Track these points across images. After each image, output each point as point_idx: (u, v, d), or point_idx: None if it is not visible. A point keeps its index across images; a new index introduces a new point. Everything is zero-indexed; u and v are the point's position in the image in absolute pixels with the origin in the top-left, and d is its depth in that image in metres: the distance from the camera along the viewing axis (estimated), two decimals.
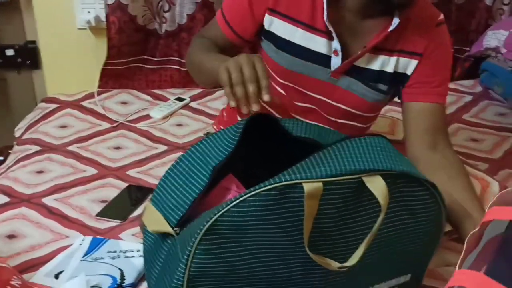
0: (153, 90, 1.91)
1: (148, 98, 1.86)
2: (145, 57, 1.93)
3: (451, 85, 1.97)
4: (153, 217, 0.86)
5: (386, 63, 1.09)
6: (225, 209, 0.77)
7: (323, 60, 1.07)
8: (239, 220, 0.77)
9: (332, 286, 0.85)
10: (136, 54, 1.90)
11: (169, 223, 0.83)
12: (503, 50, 1.76)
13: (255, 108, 0.85)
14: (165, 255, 0.86)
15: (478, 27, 1.99)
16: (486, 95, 1.89)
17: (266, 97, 0.85)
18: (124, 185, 1.36)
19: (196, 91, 1.91)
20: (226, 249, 0.79)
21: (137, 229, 1.18)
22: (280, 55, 1.10)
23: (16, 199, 1.29)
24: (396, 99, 1.19)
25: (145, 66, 1.94)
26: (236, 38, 1.14)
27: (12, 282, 0.80)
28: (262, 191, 0.76)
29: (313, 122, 0.95)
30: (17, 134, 1.71)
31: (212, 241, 0.78)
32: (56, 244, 1.13)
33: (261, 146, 0.91)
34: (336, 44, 1.05)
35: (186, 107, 1.81)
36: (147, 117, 1.74)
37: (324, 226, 0.80)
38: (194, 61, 1.11)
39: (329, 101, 1.12)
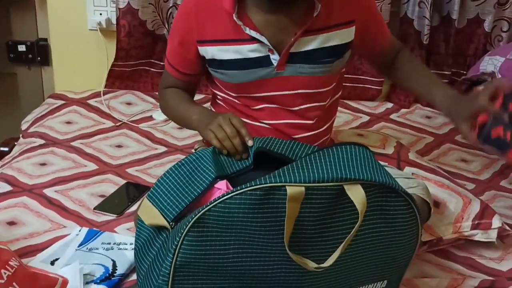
0: (157, 93, 1.97)
1: (152, 100, 1.93)
2: (152, 60, 1.99)
3: None
4: (150, 212, 0.92)
5: (323, 41, 1.14)
6: (212, 205, 0.83)
7: (263, 62, 1.14)
8: (225, 216, 0.83)
9: (310, 286, 0.90)
10: (143, 57, 1.96)
11: (165, 218, 0.89)
12: (498, 76, 1.81)
13: (244, 156, 0.99)
14: (159, 248, 0.91)
15: (476, 52, 2.04)
16: None
17: (250, 143, 0.99)
18: (122, 182, 1.42)
19: (199, 96, 1.97)
20: (211, 242, 0.85)
21: (132, 224, 1.23)
22: (227, 74, 1.17)
23: (19, 189, 1.35)
24: None
25: (152, 69, 2.00)
26: (189, 77, 1.23)
27: (10, 263, 0.85)
28: (248, 190, 0.82)
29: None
30: (24, 127, 1.77)
31: (198, 233, 0.84)
32: (54, 233, 1.19)
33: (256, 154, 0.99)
34: (269, 44, 1.12)
35: None
36: (150, 118, 1.80)
37: (304, 228, 0.85)
38: (173, 117, 1.27)
39: (284, 92, 1.18)
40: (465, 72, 2.05)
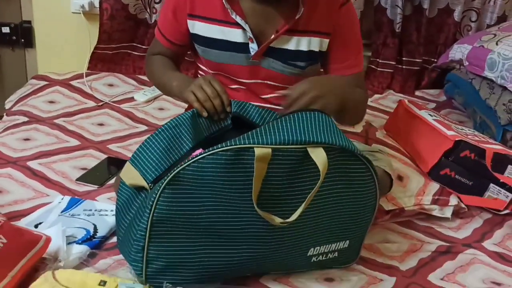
0: (139, 76, 2.03)
1: (134, 82, 1.98)
2: (134, 44, 2.04)
3: (418, 93, 2.13)
4: (131, 173, 0.98)
5: (300, 43, 1.21)
6: (186, 164, 0.90)
7: (242, 48, 1.21)
8: (198, 174, 0.90)
9: (278, 242, 0.98)
10: (125, 40, 2.02)
11: (145, 180, 0.96)
12: (466, 63, 1.91)
13: (222, 116, 1.06)
14: (137, 207, 0.98)
15: (446, 40, 2.14)
16: (449, 104, 2.03)
17: (229, 109, 1.05)
18: (104, 156, 1.48)
19: None
20: (186, 199, 0.92)
21: (112, 194, 1.29)
22: (207, 52, 1.24)
23: (3, 161, 1.40)
24: None
25: (134, 52, 2.05)
26: (177, 47, 1.30)
27: None
28: (219, 151, 0.90)
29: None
30: (7, 106, 1.81)
31: (174, 190, 0.91)
32: (37, 201, 1.25)
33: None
34: (249, 33, 1.18)
35: None
36: (131, 99, 1.86)
37: (272, 187, 0.93)
38: (156, 82, 1.31)
39: (255, 81, 1.25)
40: (435, 60, 2.15)
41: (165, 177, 0.91)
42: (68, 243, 1.07)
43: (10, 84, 2.09)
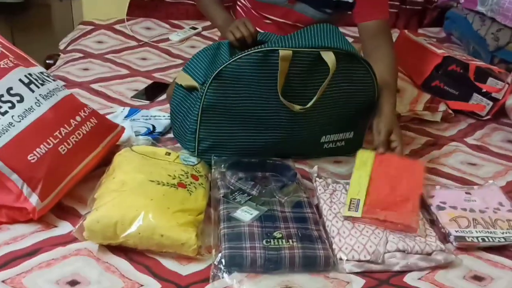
0: (171, 20, 2.31)
1: (167, 26, 2.26)
2: None
3: (421, 31, 2.36)
4: (185, 77, 1.28)
5: None
6: (227, 63, 1.20)
7: None
8: (237, 70, 1.19)
9: (296, 128, 1.28)
10: None
11: (196, 81, 1.25)
12: (462, 0, 2.14)
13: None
14: (189, 102, 1.28)
15: None
16: (448, 39, 2.27)
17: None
18: (150, 81, 1.78)
19: (207, 23, 2.29)
20: (227, 91, 1.22)
21: (162, 106, 1.59)
22: None
23: (70, 83, 1.70)
24: None
25: (166, 0, 2.33)
26: None
27: (85, 108, 1.21)
28: (252, 52, 1.18)
29: None
30: (61, 47, 2.11)
31: (218, 84, 1.21)
32: (103, 111, 1.54)
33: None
34: None
35: (198, 34, 2.21)
36: (167, 40, 2.14)
37: (292, 81, 1.21)
38: (203, 11, 1.55)
39: (287, 21, 1.51)
40: (436, 0, 2.38)
41: (212, 74, 1.20)
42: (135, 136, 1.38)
43: (60, 30, 2.39)
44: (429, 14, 2.41)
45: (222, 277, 0.95)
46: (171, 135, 1.43)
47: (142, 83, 1.77)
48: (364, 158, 1.20)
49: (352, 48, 1.25)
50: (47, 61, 2.05)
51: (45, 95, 1.13)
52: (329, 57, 1.21)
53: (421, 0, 2.36)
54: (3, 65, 1.10)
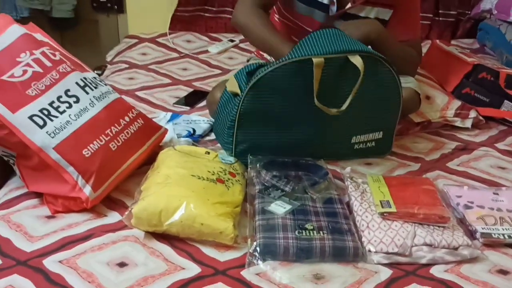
0: (210, 34, 2.43)
1: (207, 39, 2.38)
2: (206, 7, 2.44)
3: (454, 42, 2.40)
4: (233, 83, 1.38)
5: (369, 12, 1.54)
6: (264, 73, 1.28)
7: (324, 7, 1.53)
8: (272, 80, 1.28)
9: (328, 131, 1.35)
10: (199, 4, 2.42)
11: (240, 88, 1.34)
12: (494, 12, 2.18)
13: None
14: (230, 107, 1.37)
15: None
16: (481, 50, 2.30)
17: None
18: (191, 90, 1.89)
19: None
20: (263, 99, 1.30)
21: (201, 112, 1.69)
22: (293, 2, 1.55)
23: (117, 91, 1.79)
24: None
25: (205, 14, 2.45)
26: None
27: (133, 110, 1.32)
28: (288, 62, 1.27)
29: None
30: (108, 59, 2.26)
31: (255, 92, 1.29)
32: (148, 115, 1.62)
33: None
34: None
35: (236, 46, 2.32)
36: (206, 51, 2.26)
37: (326, 87, 1.29)
38: (253, 38, 1.50)
39: None
40: (469, 12, 2.42)
41: (249, 83, 1.29)
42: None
43: (107, 43, 2.54)
44: (462, 26, 2.44)
45: (257, 264, 1.03)
46: (210, 137, 1.52)
47: (183, 91, 1.87)
48: (375, 178, 1.26)
49: (375, 52, 1.32)
50: (95, 72, 2.18)
51: (98, 97, 1.24)
52: (357, 60, 1.28)
53: (454, 12, 2.40)
54: (62, 69, 1.22)
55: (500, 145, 1.57)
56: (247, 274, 1.01)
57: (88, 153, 1.15)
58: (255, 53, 2.02)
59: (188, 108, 1.74)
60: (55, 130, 1.14)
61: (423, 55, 1.99)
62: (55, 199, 1.15)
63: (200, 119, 1.61)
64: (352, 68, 1.28)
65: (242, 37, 2.39)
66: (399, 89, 1.36)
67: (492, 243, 1.12)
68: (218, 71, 2.09)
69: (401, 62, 1.44)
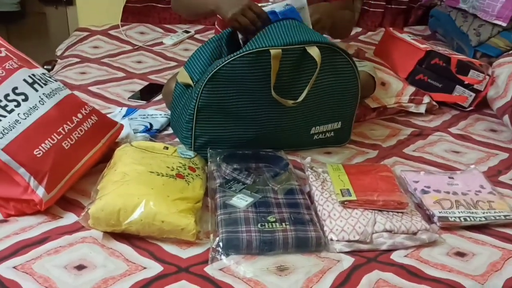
0: (164, 25, 2.37)
1: (161, 30, 2.33)
2: None
3: (406, 29, 2.44)
4: (183, 74, 1.35)
5: None
6: (222, 64, 1.26)
7: None
8: (231, 72, 1.26)
9: (287, 122, 1.34)
10: None
11: (191, 79, 1.31)
12: None
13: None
14: (185, 99, 1.34)
15: None
16: (433, 36, 2.35)
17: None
18: (146, 83, 1.84)
19: (199, 26, 2.37)
20: (221, 91, 1.28)
21: (157, 105, 1.66)
22: None
23: (69, 86, 1.73)
24: None
25: (158, 5, 2.40)
26: None
27: (85, 106, 1.28)
28: (245, 54, 1.25)
29: None
30: (58, 53, 2.18)
31: (213, 85, 1.27)
32: (102, 111, 1.57)
33: None
34: None
35: (191, 38, 2.28)
36: (161, 43, 2.21)
37: (282, 78, 1.28)
38: (184, 6, 1.56)
39: None
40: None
41: (207, 74, 1.26)
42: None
43: (56, 37, 2.45)
44: (414, 13, 2.48)
45: (220, 259, 1.02)
46: (168, 132, 1.49)
47: (138, 85, 1.83)
48: (335, 166, 1.28)
49: (332, 43, 1.33)
50: (45, 67, 2.09)
51: (48, 94, 1.19)
52: (314, 51, 1.28)
53: None
54: (8, 66, 1.17)
55: (453, 130, 1.61)
56: (210, 270, 1.00)
57: (39, 153, 1.11)
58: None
59: (144, 102, 1.70)
60: (3, 130, 1.09)
61: (377, 43, 2.03)
62: (6, 203, 1.11)
63: (157, 113, 1.58)
64: (310, 59, 1.28)
65: (197, 27, 2.36)
66: (357, 80, 1.37)
67: (449, 226, 1.15)
68: (174, 63, 2.05)
69: (344, 26, 1.57)
